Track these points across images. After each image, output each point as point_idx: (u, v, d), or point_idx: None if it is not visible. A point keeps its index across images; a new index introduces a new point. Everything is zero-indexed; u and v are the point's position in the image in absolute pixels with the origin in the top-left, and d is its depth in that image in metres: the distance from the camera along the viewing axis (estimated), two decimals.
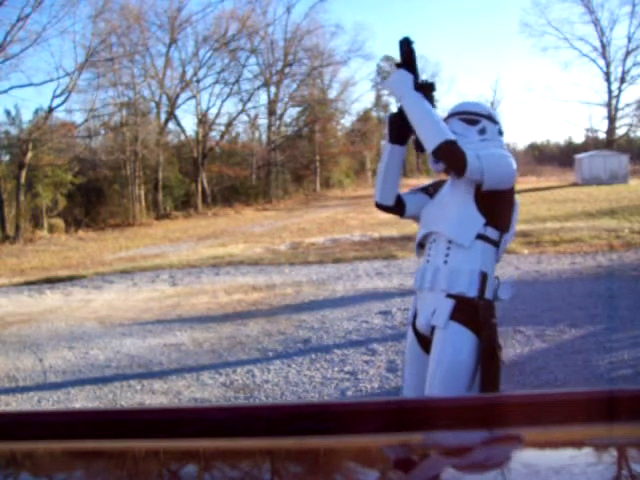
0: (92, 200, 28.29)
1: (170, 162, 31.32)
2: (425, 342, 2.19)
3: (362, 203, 26.82)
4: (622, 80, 41.55)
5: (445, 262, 2.10)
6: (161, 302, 7.50)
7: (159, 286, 8.73)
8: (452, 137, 2.00)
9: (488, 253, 2.11)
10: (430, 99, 2.11)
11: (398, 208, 2.34)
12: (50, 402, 4.22)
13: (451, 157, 2.00)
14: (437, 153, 2.00)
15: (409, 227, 14.42)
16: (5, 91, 23.58)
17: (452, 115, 2.22)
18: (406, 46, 2.12)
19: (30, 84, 24.65)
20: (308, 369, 4.51)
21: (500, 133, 2.24)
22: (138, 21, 28.76)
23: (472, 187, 2.06)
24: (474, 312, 2.03)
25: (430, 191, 2.34)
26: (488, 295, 2.07)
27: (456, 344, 2.02)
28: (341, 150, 40.08)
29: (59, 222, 25.75)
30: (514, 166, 2.12)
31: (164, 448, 0.83)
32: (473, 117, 2.19)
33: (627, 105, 43.66)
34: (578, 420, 0.82)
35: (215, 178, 33.60)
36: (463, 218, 2.10)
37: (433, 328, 2.11)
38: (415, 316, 2.24)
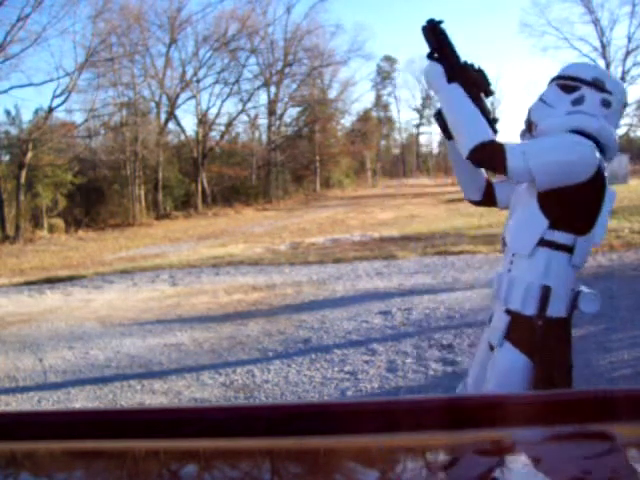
0: (92, 200, 28.28)
1: (170, 162, 31.30)
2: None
3: (362, 203, 26.83)
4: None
5: (509, 270, 1.86)
6: (161, 302, 7.50)
7: (159, 286, 8.73)
8: (486, 137, 1.72)
9: (556, 262, 1.76)
10: (476, 84, 1.82)
11: (488, 200, 2.05)
12: (50, 402, 4.22)
13: (487, 162, 1.76)
14: (471, 159, 1.74)
15: (409, 227, 14.43)
16: (5, 91, 23.58)
17: (552, 80, 1.91)
18: (430, 31, 1.85)
19: (30, 84, 24.65)
20: (308, 369, 4.51)
21: (605, 104, 1.82)
22: (138, 21, 28.76)
23: (533, 185, 1.76)
24: (529, 332, 1.77)
25: None
26: (552, 312, 1.76)
27: (506, 366, 1.80)
28: (341, 150, 40.11)
29: (59, 222, 25.74)
30: (589, 154, 1.72)
31: (164, 448, 0.83)
32: (571, 83, 1.84)
33: (627, 105, 43.67)
34: (577, 420, 0.82)
35: (215, 178, 33.60)
36: (522, 222, 1.83)
37: None
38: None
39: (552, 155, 1.72)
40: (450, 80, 1.81)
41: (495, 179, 2.06)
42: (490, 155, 1.72)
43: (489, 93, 1.86)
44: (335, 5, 76.24)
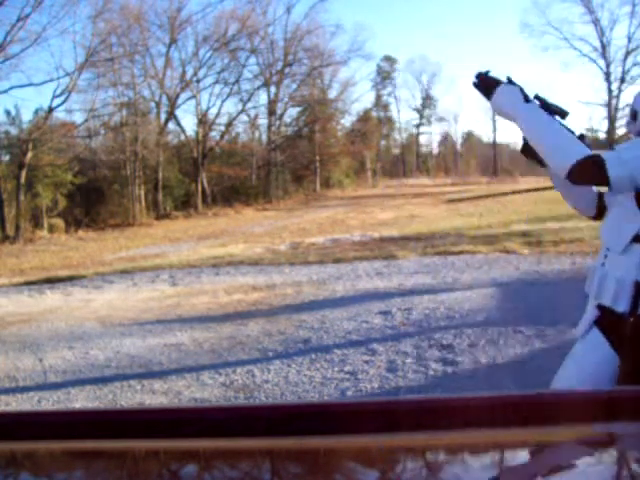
0: (92, 200, 28.28)
1: (170, 162, 31.31)
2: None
3: (362, 203, 26.83)
4: (622, 80, 41.57)
5: (602, 264, 1.85)
6: (161, 302, 7.50)
7: (159, 286, 8.73)
8: (582, 154, 1.68)
9: None
10: (549, 107, 1.81)
11: (603, 212, 1.98)
12: (50, 402, 4.22)
13: (588, 178, 1.72)
14: (572, 180, 1.70)
15: (409, 227, 14.42)
16: (5, 91, 23.59)
17: None
18: (482, 82, 1.95)
19: (30, 84, 24.64)
20: (308, 369, 4.51)
21: None
22: (138, 21, 28.76)
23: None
24: (619, 328, 1.76)
25: None
26: None
27: (593, 355, 1.80)
28: (341, 150, 40.11)
29: (59, 222, 25.74)
30: None
31: (164, 448, 0.83)
32: None
33: (627, 105, 43.63)
34: (578, 420, 0.82)
35: (215, 178, 33.60)
36: (618, 218, 1.80)
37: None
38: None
39: None
40: (526, 101, 1.82)
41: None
42: (591, 171, 1.68)
43: (564, 115, 1.82)
44: (335, 5, 76.21)
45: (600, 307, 1.82)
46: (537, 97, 1.86)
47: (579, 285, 7.15)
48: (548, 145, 1.75)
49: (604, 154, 1.69)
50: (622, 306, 1.74)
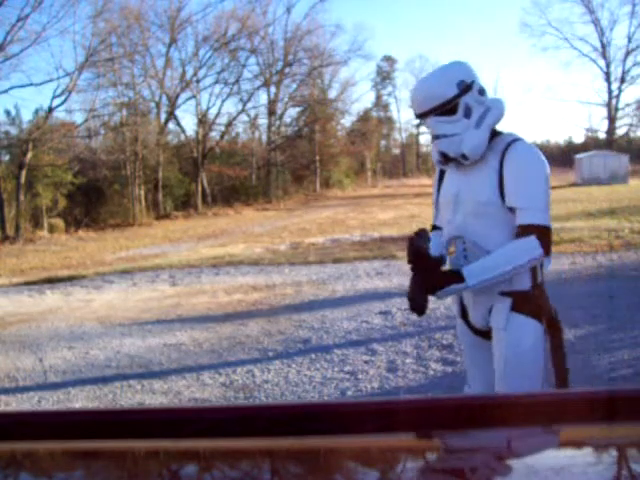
0: (92, 200, 28.29)
1: (170, 162, 31.30)
2: (482, 332, 2.11)
3: (362, 203, 26.82)
4: (622, 80, 41.59)
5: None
6: (161, 302, 7.50)
7: (159, 286, 8.73)
8: (529, 252, 1.86)
9: None
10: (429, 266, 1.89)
11: None
12: (50, 402, 4.22)
13: (550, 246, 1.92)
14: (548, 254, 1.92)
15: (409, 227, 14.41)
16: (5, 91, 23.58)
17: (425, 114, 1.95)
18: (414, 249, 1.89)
19: (30, 84, 24.65)
20: (308, 369, 4.51)
21: (482, 92, 1.96)
22: (138, 21, 28.76)
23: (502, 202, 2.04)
24: (532, 302, 1.98)
25: None
26: (540, 279, 2.03)
27: (519, 334, 1.94)
28: (341, 150, 40.11)
29: (59, 222, 25.75)
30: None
31: (164, 448, 0.83)
32: (447, 106, 1.91)
33: (627, 105, 43.74)
34: (578, 420, 0.82)
35: (215, 178, 33.60)
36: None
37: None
38: (463, 311, 2.16)
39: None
40: (461, 279, 1.86)
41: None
42: (549, 244, 1.91)
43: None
44: (335, 5, 76.36)
45: (506, 294, 1.97)
46: (421, 232, 1.98)
47: (579, 285, 7.17)
48: (509, 270, 1.88)
49: (548, 223, 1.90)
50: (527, 284, 1.98)
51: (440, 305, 6.21)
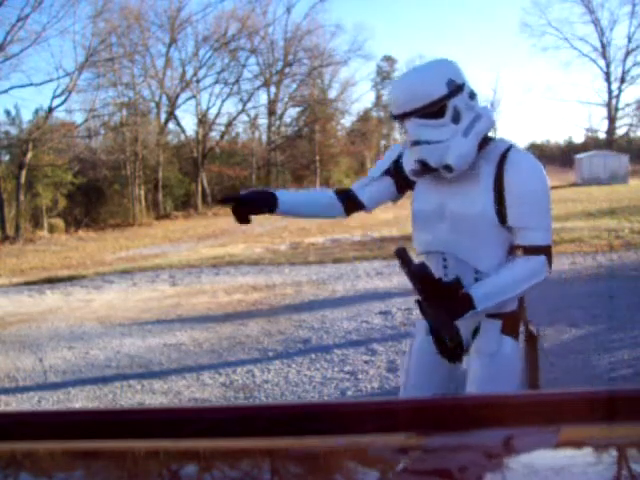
0: (92, 200, 28.30)
1: (170, 162, 31.32)
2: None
3: None
4: (622, 80, 41.60)
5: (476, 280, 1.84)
6: (161, 302, 7.50)
7: (159, 286, 8.73)
8: (540, 268, 1.75)
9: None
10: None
11: (353, 210, 2.15)
12: (50, 402, 4.22)
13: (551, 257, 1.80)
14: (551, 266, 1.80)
15: (408, 227, 14.40)
16: (5, 91, 23.64)
17: (407, 115, 1.73)
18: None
19: (30, 84, 24.74)
20: (308, 369, 4.51)
21: (472, 96, 1.76)
22: (138, 21, 28.78)
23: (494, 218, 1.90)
24: (517, 322, 1.88)
25: None
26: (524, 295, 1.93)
27: (509, 358, 1.83)
28: (341, 150, 40.11)
29: (59, 222, 25.76)
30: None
31: (164, 448, 0.83)
32: (434, 107, 1.70)
33: (627, 105, 43.81)
34: (578, 420, 0.82)
35: (215, 178, 33.63)
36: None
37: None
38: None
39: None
40: (472, 303, 1.68)
41: (361, 183, 2.06)
42: (550, 254, 1.79)
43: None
44: (335, 5, 76.26)
45: (495, 316, 1.83)
46: (399, 253, 1.73)
47: (579, 285, 7.16)
48: (517, 294, 1.78)
49: (548, 253, 1.78)
50: (514, 305, 1.86)
51: None
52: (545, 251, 1.75)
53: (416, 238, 1.98)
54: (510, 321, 1.85)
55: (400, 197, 2.07)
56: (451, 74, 1.71)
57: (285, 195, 1.95)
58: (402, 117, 1.73)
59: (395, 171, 1.98)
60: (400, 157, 1.97)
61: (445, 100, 1.69)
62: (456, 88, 1.70)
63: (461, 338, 1.81)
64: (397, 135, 62.30)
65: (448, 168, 1.73)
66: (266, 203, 1.90)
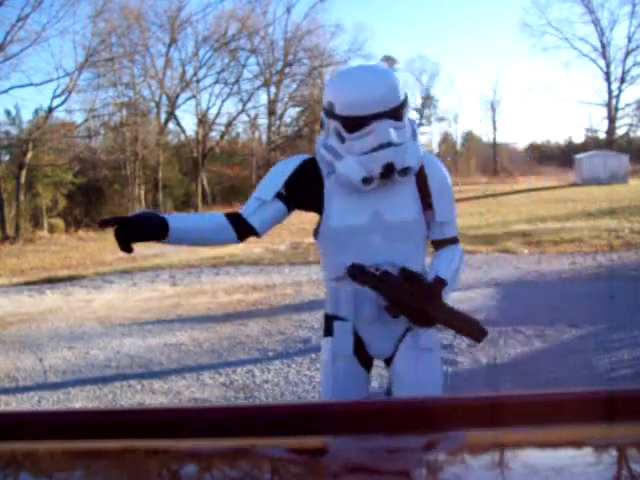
0: (92, 200, 28.31)
1: (170, 162, 31.33)
2: (369, 362, 1.97)
3: None
4: (622, 80, 41.63)
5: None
6: (161, 302, 7.50)
7: (159, 286, 8.73)
8: (464, 261, 1.93)
9: None
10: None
11: (246, 236, 2.00)
12: (50, 402, 4.22)
13: None
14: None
15: None
16: (5, 91, 23.65)
17: (377, 117, 1.67)
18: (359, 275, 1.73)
19: (30, 84, 24.72)
20: (308, 369, 4.51)
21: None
22: (138, 21, 28.79)
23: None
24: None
25: None
26: None
27: (437, 350, 1.94)
28: None
29: (59, 222, 25.77)
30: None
31: (164, 448, 0.83)
32: (400, 110, 1.72)
33: (627, 105, 43.88)
34: (578, 420, 0.82)
35: (215, 178, 33.64)
36: None
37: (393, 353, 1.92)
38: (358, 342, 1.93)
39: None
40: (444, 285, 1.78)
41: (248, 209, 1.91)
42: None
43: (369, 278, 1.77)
44: (335, 5, 76.43)
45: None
46: (353, 269, 1.75)
47: (579, 285, 7.16)
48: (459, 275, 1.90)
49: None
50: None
51: None
52: (458, 241, 1.93)
53: (334, 261, 1.85)
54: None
55: (288, 216, 1.94)
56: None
57: (176, 221, 1.73)
58: (370, 118, 1.66)
59: (288, 192, 1.86)
60: (299, 172, 1.89)
61: (404, 104, 1.73)
62: (405, 95, 1.76)
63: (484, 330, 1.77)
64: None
65: (405, 172, 1.72)
66: (153, 230, 1.66)
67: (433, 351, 1.90)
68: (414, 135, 1.78)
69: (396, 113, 1.69)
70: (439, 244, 1.90)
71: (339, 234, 1.82)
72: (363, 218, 1.80)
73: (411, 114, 1.85)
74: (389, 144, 1.67)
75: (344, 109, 1.70)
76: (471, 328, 1.71)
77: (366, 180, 1.71)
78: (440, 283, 1.77)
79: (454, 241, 1.90)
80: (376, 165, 1.69)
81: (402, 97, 1.72)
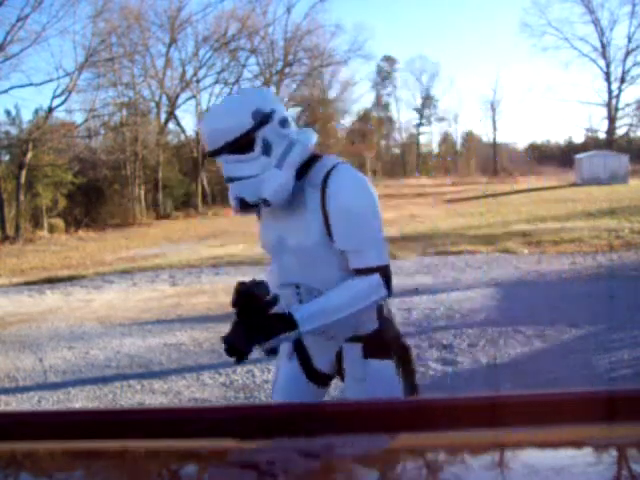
0: (92, 200, 28.30)
1: (170, 162, 31.32)
2: (320, 377, 1.92)
3: None
4: (622, 80, 41.64)
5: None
6: (161, 302, 7.50)
7: (159, 286, 8.73)
8: (371, 294, 1.67)
9: None
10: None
11: None
12: (50, 402, 4.22)
13: (391, 284, 1.73)
14: (390, 293, 1.73)
15: (409, 227, 14.42)
16: (5, 91, 23.65)
17: (218, 152, 1.65)
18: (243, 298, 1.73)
19: (30, 84, 24.74)
20: None
21: (283, 123, 1.67)
22: (138, 21, 28.79)
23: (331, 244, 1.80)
24: (383, 342, 1.79)
25: None
26: (386, 311, 1.84)
27: (378, 382, 1.75)
28: (341, 150, 40.12)
29: (59, 222, 25.75)
30: None
31: (164, 448, 0.83)
32: (242, 141, 1.62)
33: (627, 105, 43.88)
34: (578, 420, 0.82)
35: (215, 178, 33.58)
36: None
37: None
38: (302, 353, 1.92)
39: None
40: (293, 325, 1.64)
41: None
42: (391, 278, 1.72)
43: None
44: (335, 5, 76.48)
45: (356, 339, 1.78)
46: (258, 281, 1.72)
47: (579, 285, 7.15)
48: (352, 313, 1.68)
49: (387, 263, 1.70)
50: (375, 324, 1.79)
51: (440, 305, 6.21)
52: (379, 271, 1.67)
53: (272, 269, 1.89)
54: (373, 342, 1.76)
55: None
56: (257, 104, 1.62)
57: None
58: (215, 154, 1.66)
59: None
60: None
61: (252, 133, 1.61)
62: (263, 118, 1.62)
63: (241, 358, 1.72)
64: (397, 136, 62.37)
65: (266, 202, 1.66)
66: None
67: (364, 383, 1.75)
68: (280, 161, 1.64)
69: (238, 144, 1.61)
70: (356, 273, 1.69)
71: (264, 248, 1.92)
72: (272, 239, 1.83)
73: (299, 132, 1.72)
74: (231, 179, 1.67)
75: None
76: (231, 351, 1.72)
77: (235, 210, 1.75)
78: (281, 319, 1.64)
79: (368, 272, 1.66)
80: (231, 198, 1.71)
81: (243, 127, 1.60)
